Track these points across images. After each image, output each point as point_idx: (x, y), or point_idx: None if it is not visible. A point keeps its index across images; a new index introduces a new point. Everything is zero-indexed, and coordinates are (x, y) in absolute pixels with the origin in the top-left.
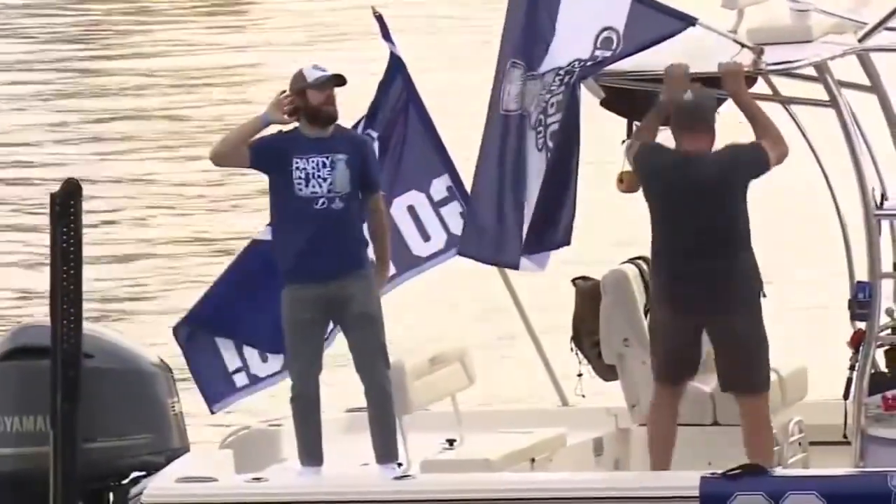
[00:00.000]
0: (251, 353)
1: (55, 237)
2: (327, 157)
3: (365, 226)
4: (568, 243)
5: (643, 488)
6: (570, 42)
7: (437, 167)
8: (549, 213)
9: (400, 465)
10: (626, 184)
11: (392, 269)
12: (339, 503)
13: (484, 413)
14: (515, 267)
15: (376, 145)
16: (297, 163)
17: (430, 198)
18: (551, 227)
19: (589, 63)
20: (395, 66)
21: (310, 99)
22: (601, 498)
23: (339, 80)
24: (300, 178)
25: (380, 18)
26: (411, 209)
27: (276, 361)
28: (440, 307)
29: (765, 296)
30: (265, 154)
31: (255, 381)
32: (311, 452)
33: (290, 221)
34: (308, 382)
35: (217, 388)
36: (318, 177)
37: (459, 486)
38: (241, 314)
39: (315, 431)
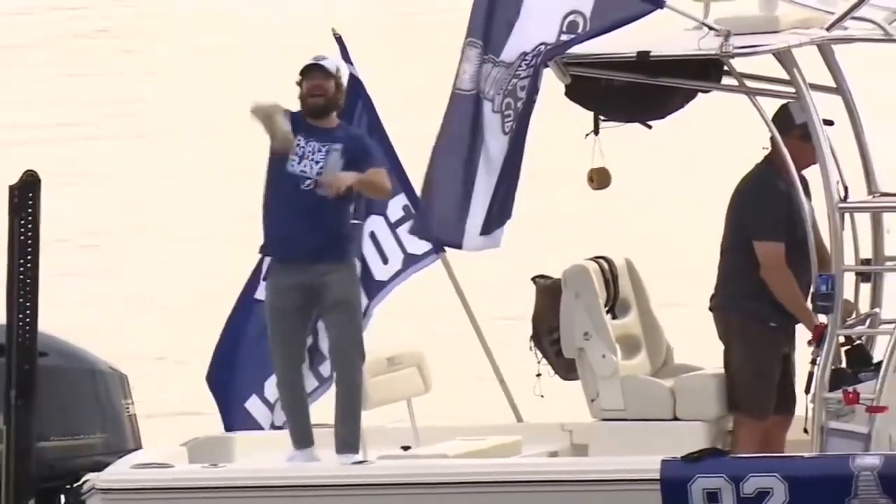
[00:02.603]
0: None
1: (13, 229)
2: (324, 145)
3: (352, 222)
4: (510, 216)
5: (604, 472)
6: (536, 25)
7: (395, 187)
8: (505, 192)
9: (362, 462)
10: (597, 181)
11: (364, 301)
12: (297, 487)
13: (436, 427)
14: (459, 247)
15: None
16: (298, 140)
17: (387, 219)
18: (503, 204)
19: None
20: (355, 88)
21: (301, 88)
22: (563, 481)
23: (315, 70)
24: (295, 154)
25: (339, 40)
26: (372, 235)
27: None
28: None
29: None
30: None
31: None
32: (302, 436)
33: (278, 197)
34: (292, 370)
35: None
36: (312, 159)
37: (417, 470)
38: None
39: (303, 415)
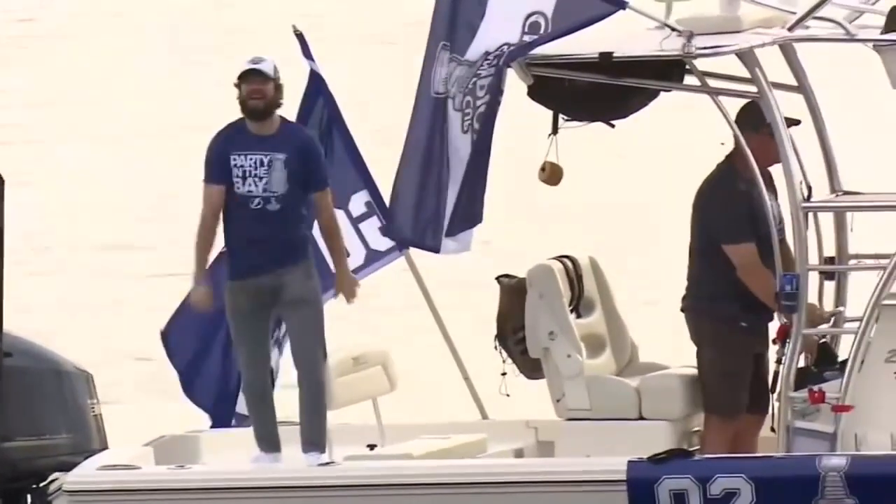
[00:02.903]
0: None
1: None
2: (266, 156)
3: (307, 220)
4: (480, 220)
5: (570, 472)
6: (498, 26)
7: (357, 183)
8: (469, 193)
9: (328, 463)
10: (547, 173)
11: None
12: (264, 489)
13: (402, 425)
14: (437, 251)
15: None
16: (234, 159)
17: (349, 214)
18: (470, 207)
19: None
20: (316, 84)
21: (240, 92)
22: (529, 482)
23: (253, 74)
24: (238, 175)
25: (300, 36)
26: None
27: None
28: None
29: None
30: (218, 169)
31: None
32: (268, 439)
33: (230, 218)
34: (256, 372)
35: (218, 413)
36: (255, 175)
37: (383, 471)
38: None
39: (269, 419)
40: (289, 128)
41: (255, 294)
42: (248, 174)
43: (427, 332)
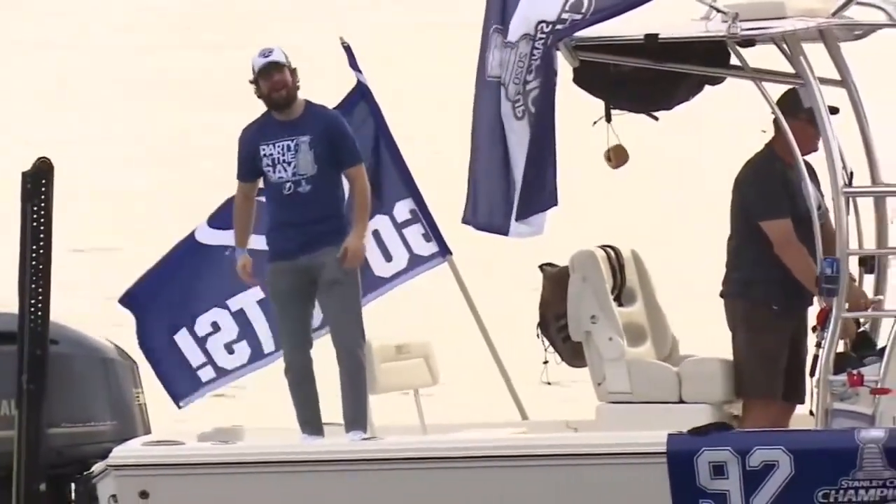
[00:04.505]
0: (216, 346)
1: (25, 216)
2: (292, 140)
3: (343, 201)
4: (555, 203)
5: (612, 445)
6: (538, 5)
7: (401, 191)
8: (536, 177)
9: (371, 438)
10: (615, 160)
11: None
12: (307, 462)
13: (441, 424)
14: (505, 233)
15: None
16: (263, 150)
17: (393, 219)
18: (539, 190)
19: (559, 26)
20: (361, 93)
21: (260, 88)
22: (572, 454)
23: (270, 68)
24: (268, 164)
25: (347, 48)
26: (376, 233)
27: (243, 353)
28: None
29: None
30: (246, 167)
31: (222, 373)
32: (309, 421)
33: (269, 205)
34: (296, 353)
35: (183, 385)
36: (283, 161)
37: (427, 444)
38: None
39: (311, 401)
40: (312, 109)
41: (293, 276)
42: (277, 161)
43: (466, 333)
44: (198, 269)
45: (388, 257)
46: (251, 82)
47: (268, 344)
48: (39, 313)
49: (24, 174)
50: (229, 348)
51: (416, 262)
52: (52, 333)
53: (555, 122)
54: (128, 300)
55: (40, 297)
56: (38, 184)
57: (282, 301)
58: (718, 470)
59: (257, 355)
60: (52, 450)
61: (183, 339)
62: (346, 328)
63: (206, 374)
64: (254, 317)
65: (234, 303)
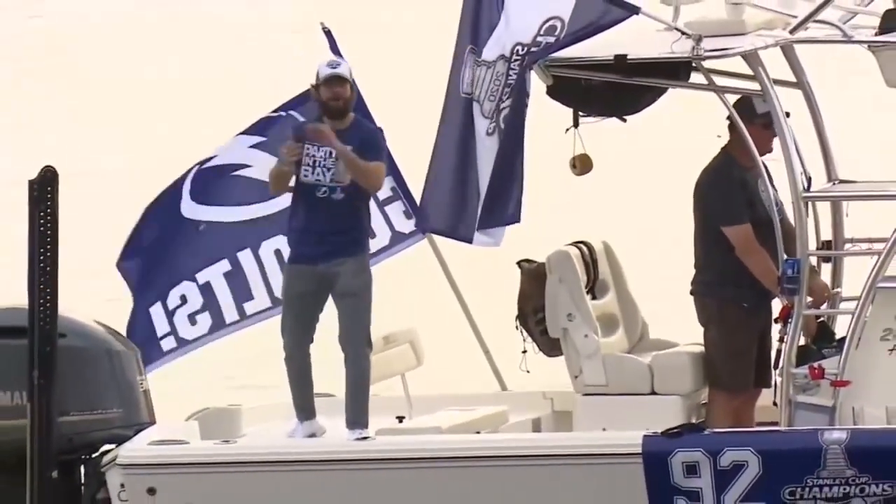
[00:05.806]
0: (181, 318)
1: (33, 221)
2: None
3: (368, 213)
4: (518, 220)
5: (589, 446)
6: (514, 26)
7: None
8: (500, 191)
9: (364, 438)
10: (579, 167)
11: None
12: (304, 462)
13: (427, 396)
14: (469, 241)
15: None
16: (308, 149)
17: (375, 197)
18: (503, 204)
19: (534, 48)
20: None
21: (321, 94)
22: (548, 455)
23: (334, 80)
24: (308, 164)
25: (328, 33)
26: None
27: (204, 324)
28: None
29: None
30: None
31: (182, 344)
32: (304, 407)
33: (296, 205)
34: (298, 347)
35: (146, 352)
36: (324, 166)
37: (413, 445)
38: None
39: (307, 391)
40: (358, 122)
41: (309, 281)
42: (317, 163)
43: (449, 310)
44: (177, 242)
45: (371, 234)
46: (313, 86)
47: (230, 314)
48: (48, 312)
49: (30, 182)
50: (192, 319)
51: (398, 240)
52: (60, 327)
53: (524, 140)
54: (124, 267)
55: (48, 298)
56: (44, 190)
57: (293, 302)
58: (691, 469)
59: (218, 325)
60: (63, 437)
61: (156, 311)
62: (355, 339)
63: (168, 343)
64: (219, 289)
65: (202, 276)
